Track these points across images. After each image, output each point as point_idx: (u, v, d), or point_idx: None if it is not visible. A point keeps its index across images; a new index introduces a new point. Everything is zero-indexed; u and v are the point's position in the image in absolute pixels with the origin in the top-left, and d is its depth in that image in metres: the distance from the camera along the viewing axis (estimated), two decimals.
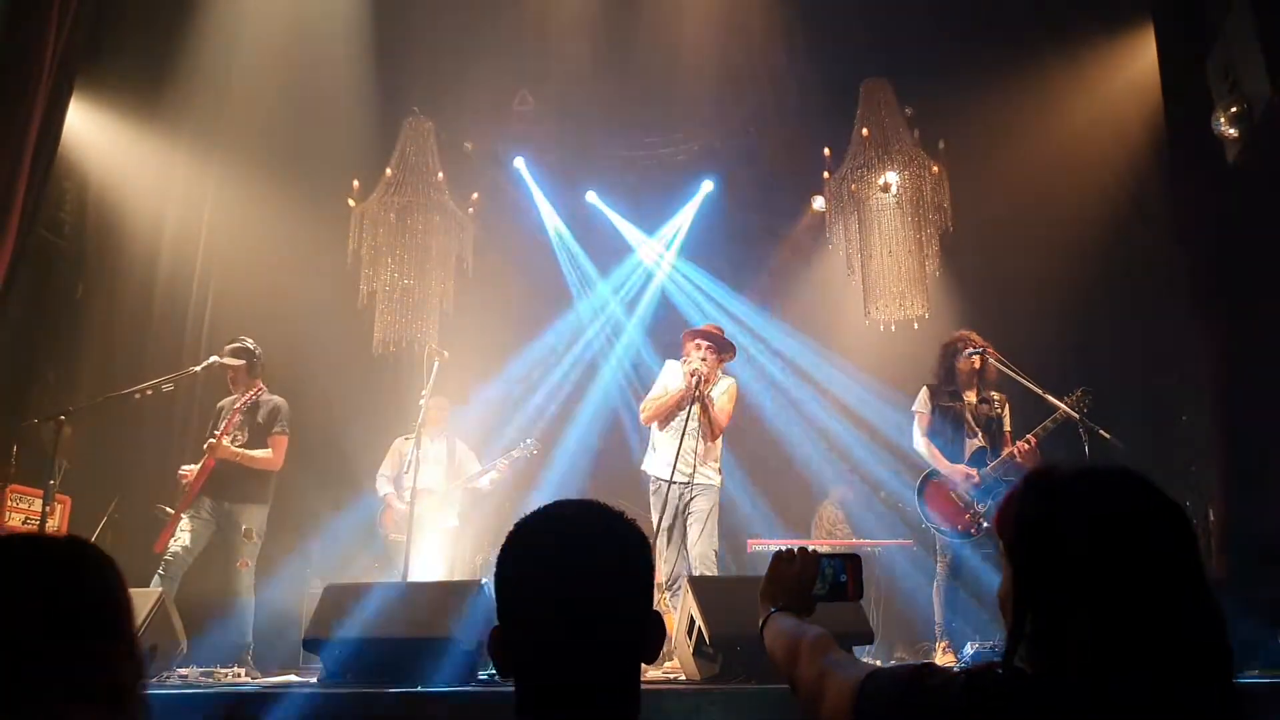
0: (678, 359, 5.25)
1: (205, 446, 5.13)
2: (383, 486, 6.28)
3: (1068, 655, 1.10)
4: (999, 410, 5.17)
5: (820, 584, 1.64)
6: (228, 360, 5.32)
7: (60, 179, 6.26)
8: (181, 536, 4.99)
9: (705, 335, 5.14)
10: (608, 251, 8.45)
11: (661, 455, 5.07)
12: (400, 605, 3.82)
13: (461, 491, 6.37)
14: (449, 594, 3.75)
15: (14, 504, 5.54)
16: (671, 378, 5.21)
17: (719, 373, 5.17)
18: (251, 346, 5.39)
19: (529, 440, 6.43)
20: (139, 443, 6.43)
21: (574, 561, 1.15)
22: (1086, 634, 1.09)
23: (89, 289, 6.72)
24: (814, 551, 1.67)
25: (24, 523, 5.53)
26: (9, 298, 5.12)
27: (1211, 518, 4.89)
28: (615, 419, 7.94)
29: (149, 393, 5.20)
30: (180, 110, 6.74)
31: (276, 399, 5.39)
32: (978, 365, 5.05)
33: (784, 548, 1.71)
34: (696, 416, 4.96)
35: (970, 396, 5.16)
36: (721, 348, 5.15)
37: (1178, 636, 1.07)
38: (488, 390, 7.16)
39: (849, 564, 1.66)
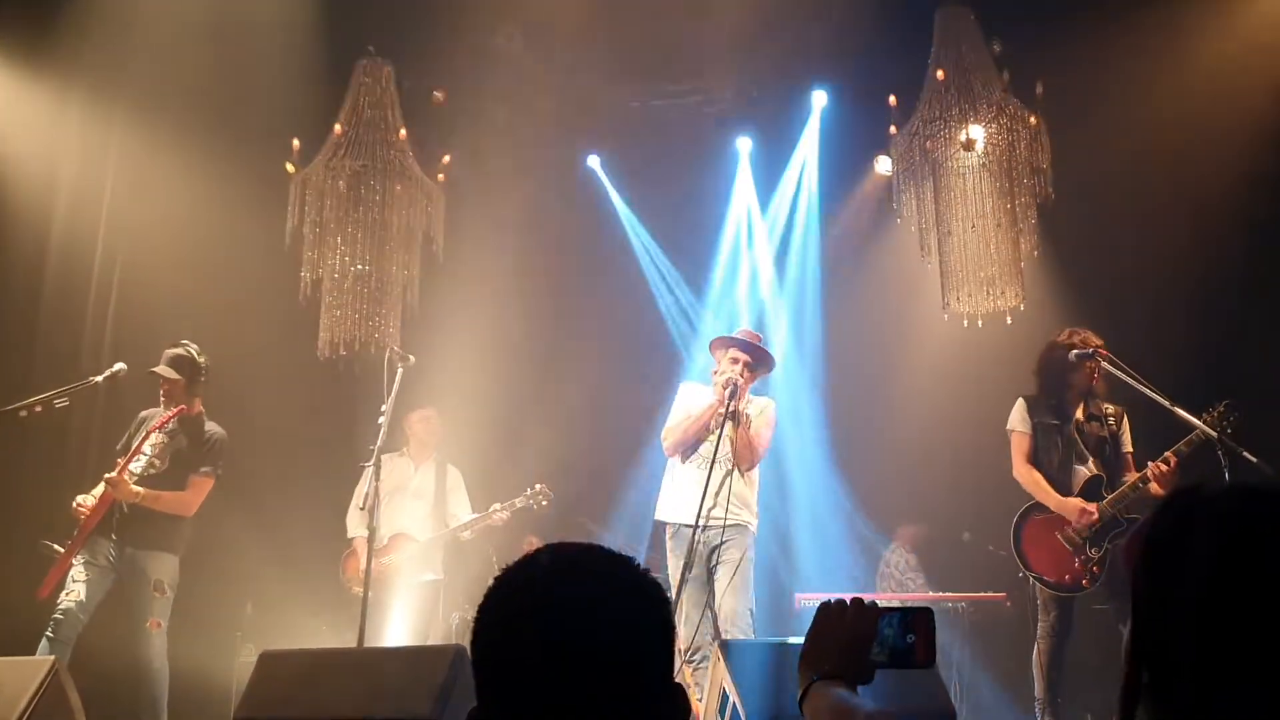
0: (697, 380, 5.48)
1: (104, 479, 5.17)
2: (354, 526, 6.30)
3: (1189, 714, 1.09)
4: (1114, 426, 5.15)
5: (879, 646, 1.63)
6: (163, 371, 5.37)
7: None
8: (74, 589, 5.02)
9: (739, 343, 5.30)
10: (610, 227, 8.49)
11: (683, 492, 5.15)
12: (356, 677, 3.83)
13: (445, 540, 6.40)
14: (417, 663, 3.76)
15: None
16: (692, 400, 5.36)
17: (750, 392, 5.33)
18: (196, 356, 5.44)
19: (538, 486, 6.45)
20: (24, 471, 6.47)
21: (571, 623, 1.14)
22: (1211, 686, 1.08)
23: None
24: (871, 603, 1.66)
25: None
26: None
27: None
28: (629, 443, 7.95)
29: (38, 409, 5.24)
30: (75, 52, 6.79)
31: (216, 430, 5.44)
32: (1097, 374, 5.02)
33: (834, 599, 1.70)
34: (728, 441, 5.07)
35: (1078, 412, 5.14)
36: (758, 359, 5.29)
37: None
38: (461, 403, 7.18)
39: (917, 619, 1.65)
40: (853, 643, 1.62)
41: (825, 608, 1.67)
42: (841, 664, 1.61)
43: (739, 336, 5.42)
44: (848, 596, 1.69)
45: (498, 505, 6.40)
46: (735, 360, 5.21)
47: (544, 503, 6.47)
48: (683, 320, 8.38)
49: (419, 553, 6.22)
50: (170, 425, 5.29)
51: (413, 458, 6.54)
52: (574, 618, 1.15)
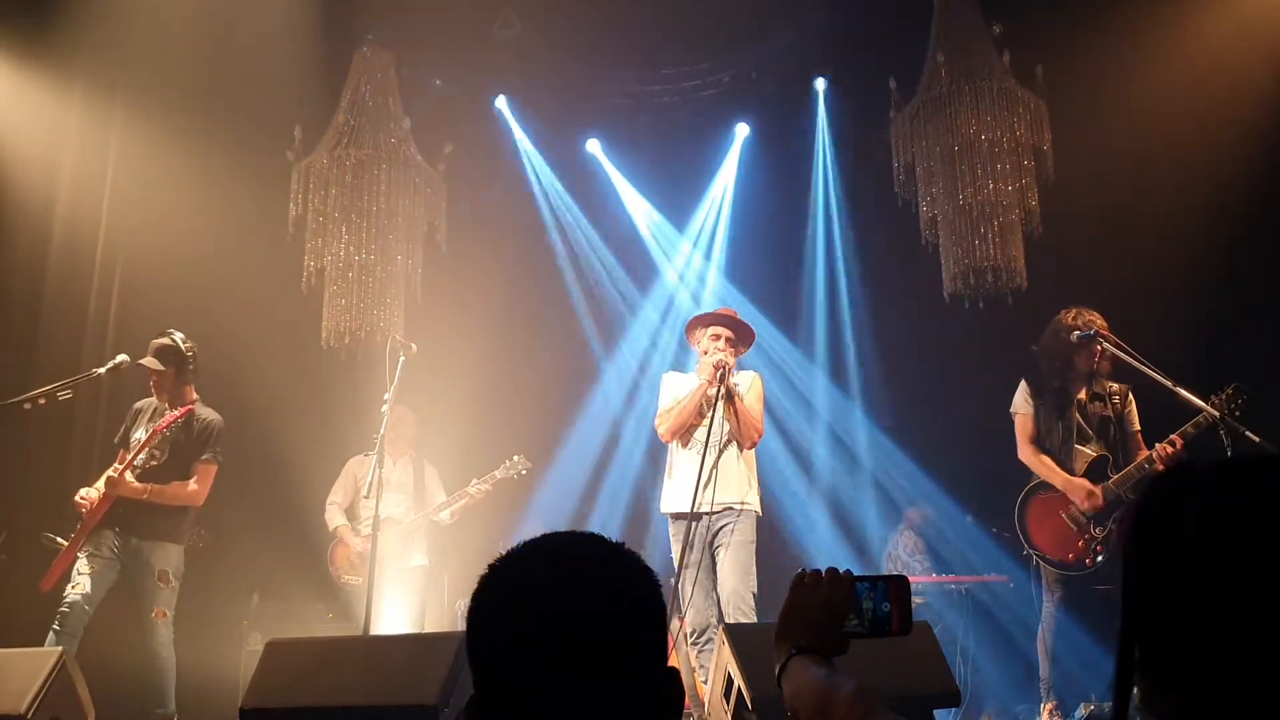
0: (679, 369, 5.48)
1: (104, 481, 5.15)
2: (334, 517, 6.31)
3: (1183, 696, 1.07)
4: (1119, 407, 5.12)
5: (856, 616, 1.60)
6: (149, 364, 5.33)
7: None
8: (80, 581, 5.02)
9: (719, 320, 5.23)
10: (611, 216, 8.47)
11: (682, 480, 5.09)
12: (362, 665, 3.83)
13: (427, 525, 6.41)
14: (423, 651, 3.76)
15: None
16: (679, 386, 5.31)
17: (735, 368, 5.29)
18: (181, 345, 5.37)
19: (516, 457, 6.43)
20: (28, 465, 6.47)
21: (563, 610, 1.15)
22: (1201, 665, 1.05)
23: None
24: (847, 572, 1.63)
25: None
26: None
27: None
28: (624, 429, 7.96)
29: (41, 401, 5.22)
30: (75, 43, 6.76)
31: (211, 415, 5.40)
32: (1100, 355, 4.98)
33: (807, 570, 1.66)
34: (722, 422, 5.01)
35: (1080, 393, 5.12)
36: (740, 335, 5.22)
37: None
38: (464, 394, 7.18)
39: (893, 588, 1.62)
40: (829, 614, 1.59)
41: (800, 579, 1.63)
42: (819, 637, 1.57)
43: (718, 314, 5.31)
44: (823, 569, 1.65)
45: (476, 480, 6.38)
46: (717, 337, 5.13)
47: (523, 472, 6.42)
48: (682, 301, 8.35)
49: (404, 535, 6.23)
50: (177, 418, 5.26)
51: (389, 454, 6.52)
52: (564, 598, 1.16)
